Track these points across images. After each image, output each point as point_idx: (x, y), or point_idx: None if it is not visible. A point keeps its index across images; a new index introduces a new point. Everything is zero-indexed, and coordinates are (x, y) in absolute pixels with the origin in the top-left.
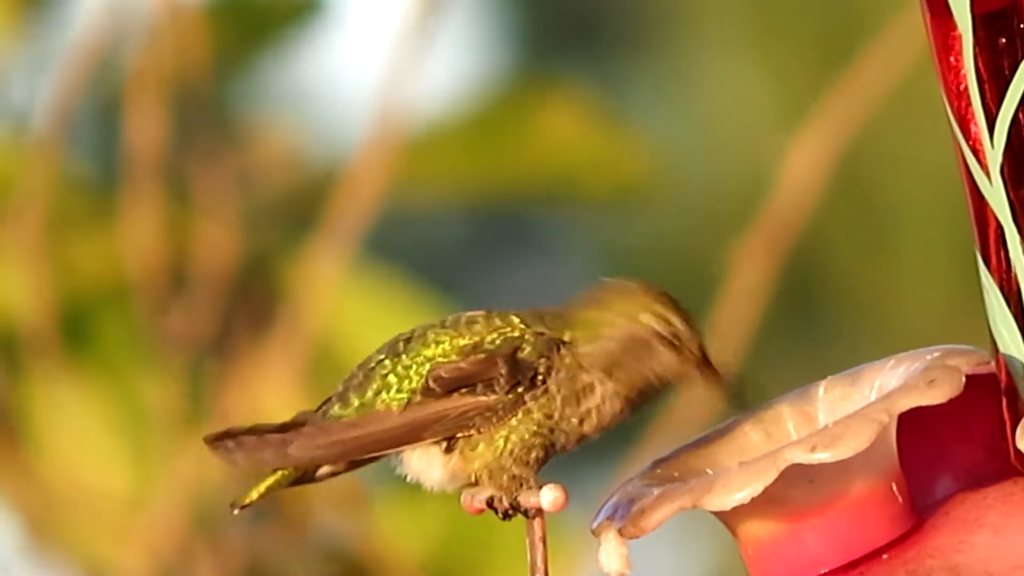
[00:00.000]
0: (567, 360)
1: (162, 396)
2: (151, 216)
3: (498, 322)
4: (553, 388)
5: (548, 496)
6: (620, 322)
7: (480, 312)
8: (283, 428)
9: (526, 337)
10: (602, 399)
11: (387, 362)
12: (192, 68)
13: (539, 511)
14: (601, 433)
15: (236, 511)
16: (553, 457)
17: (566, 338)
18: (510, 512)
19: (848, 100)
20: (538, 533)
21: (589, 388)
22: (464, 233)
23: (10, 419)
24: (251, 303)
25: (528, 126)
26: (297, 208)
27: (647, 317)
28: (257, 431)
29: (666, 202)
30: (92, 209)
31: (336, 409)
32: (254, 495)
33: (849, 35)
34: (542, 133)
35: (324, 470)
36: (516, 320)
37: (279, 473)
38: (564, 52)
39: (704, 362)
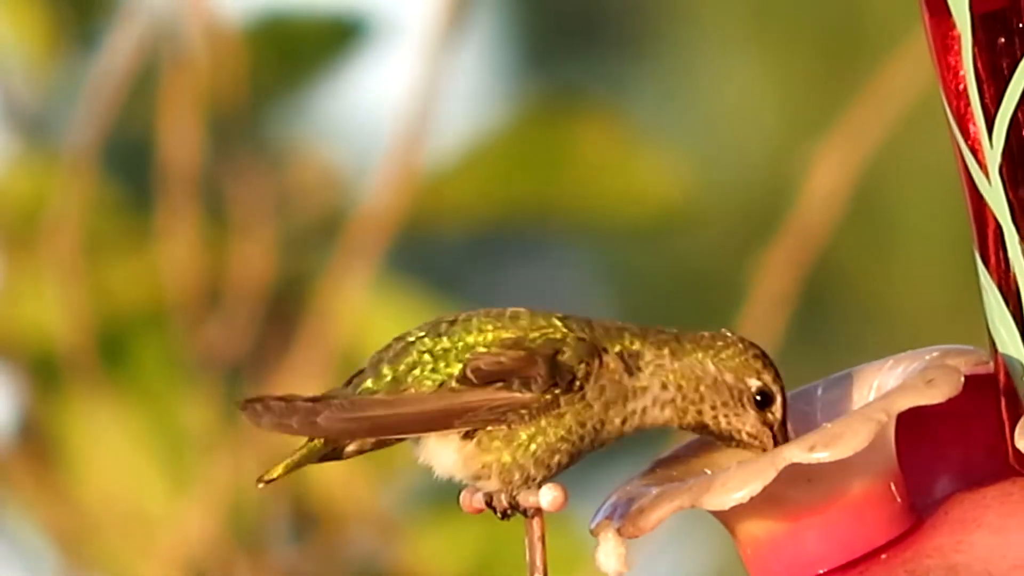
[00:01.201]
0: (611, 366)
1: (198, 416)
2: (188, 236)
3: (542, 322)
4: (590, 395)
5: (547, 495)
6: (722, 369)
7: (525, 309)
8: (315, 398)
9: (567, 340)
10: (652, 402)
11: (427, 340)
12: (229, 89)
13: (538, 510)
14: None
15: (261, 485)
16: (578, 462)
17: (614, 348)
18: (509, 512)
19: (869, 110)
20: (537, 532)
21: (641, 391)
22: (490, 254)
23: (45, 440)
24: (288, 323)
25: (557, 148)
26: (334, 229)
27: (755, 381)
28: (288, 398)
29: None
30: (128, 229)
31: (369, 383)
32: (280, 470)
33: (849, 32)
34: (572, 155)
35: (351, 448)
36: (558, 323)
37: (305, 448)
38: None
39: (781, 433)
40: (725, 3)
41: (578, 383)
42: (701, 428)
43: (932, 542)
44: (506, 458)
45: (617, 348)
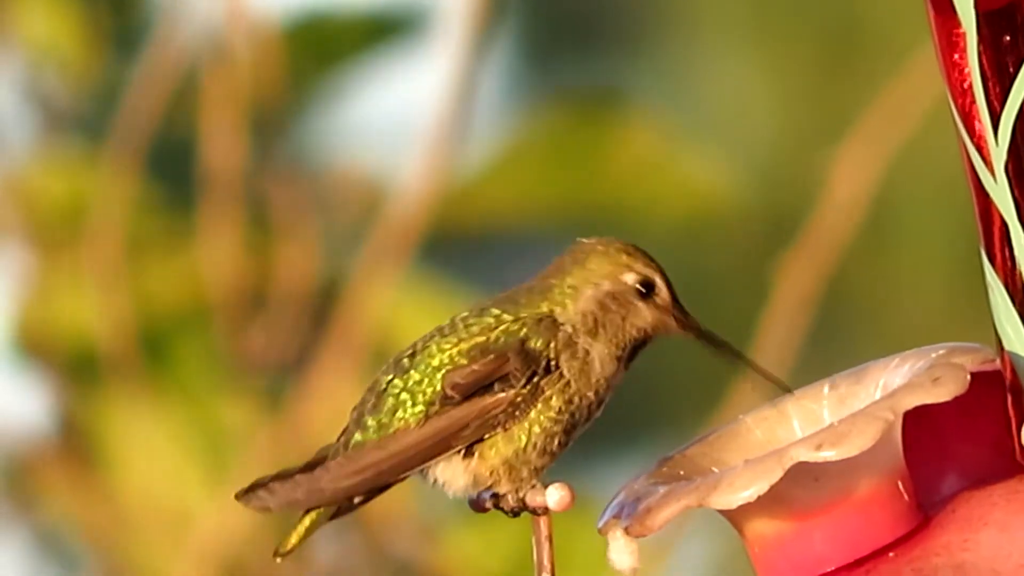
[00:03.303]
0: (569, 334)
1: (237, 415)
2: (230, 237)
3: (490, 320)
4: (566, 370)
5: (554, 495)
6: (598, 282)
7: (468, 312)
8: (309, 467)
9: (527, 326)
10: (600, 364)
11: (397, 381)
12: (270, 90)
13: (545, 510)
14: (605, 402)
15: (279, 559)
16: (574, 440)
17: (551, 312)
18: (517, 511)
19: (887, 114)
20: (544, 532)
21: (587, 356)
22: (521, 254)
23: (84, 440)
24: (321, 322)
25: (592, 150)
26: (366, 228)
27: (630, 276)
28: (284, 475)
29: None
30: (170, 230)
31: (357, 437)
32: (294, 540)
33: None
34: (614, 155)
35: (359, 497)
36: (506, 315)
37: (315, 512)
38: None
39: (678, 310)
40: (728, 7)
41: (553, 363)
42: (636, 344)
43: (939, 540)
44: (510, 458)
45: (546, 308)
